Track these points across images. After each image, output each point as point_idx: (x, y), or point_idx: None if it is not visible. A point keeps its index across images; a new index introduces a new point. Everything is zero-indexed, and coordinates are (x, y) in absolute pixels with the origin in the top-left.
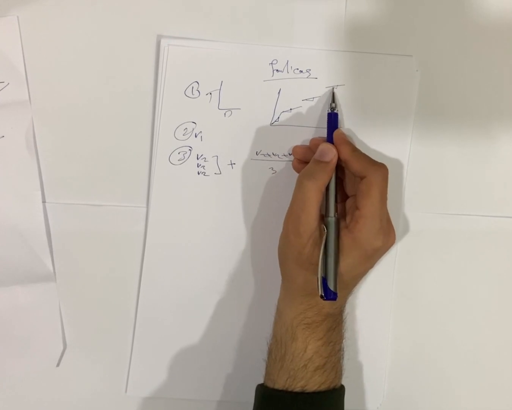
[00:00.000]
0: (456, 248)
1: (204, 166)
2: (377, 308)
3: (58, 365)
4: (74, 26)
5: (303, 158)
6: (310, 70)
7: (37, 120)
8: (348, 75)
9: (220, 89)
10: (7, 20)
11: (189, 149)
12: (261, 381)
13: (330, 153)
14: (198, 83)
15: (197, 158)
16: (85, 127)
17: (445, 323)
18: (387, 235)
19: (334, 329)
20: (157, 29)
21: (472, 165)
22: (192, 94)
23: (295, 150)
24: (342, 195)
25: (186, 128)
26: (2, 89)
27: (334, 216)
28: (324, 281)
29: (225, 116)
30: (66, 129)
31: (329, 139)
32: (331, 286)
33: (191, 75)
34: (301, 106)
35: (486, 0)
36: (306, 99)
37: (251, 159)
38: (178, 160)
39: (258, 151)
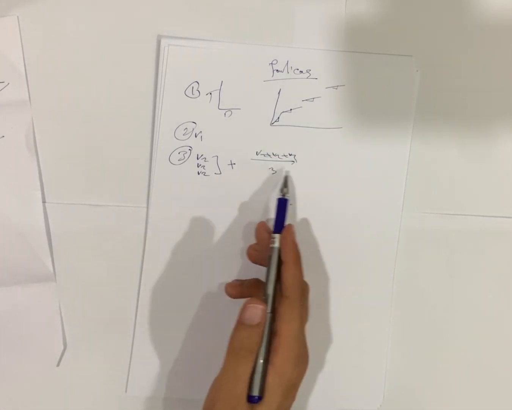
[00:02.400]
0: (456, 248)
1: (204, 166)
2: (377, 308)
3: (58, 365)
4: (74, 26)
5: (239, 294)
6: (310, 70)
7: (37, 120)
8: (348, 75)
9: (220, 89)
10: (7, 20)
11: (189, 149)
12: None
13: (257, 314)
14: (198, 83)
15: (197, 158)
16: (85, 127)
17: (445, 323)
18: (303, 362)
19: None
20: (157, 29)
21: (472, 165)
22: (192, 94)
23: (228, 291)
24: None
25: (186, 128)
26: (2, 89)
27: (270, 312)
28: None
29: (225, 116)
30: (66, 129)
31: (277, 228)
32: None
33: (191, 75)
34: (301, 107)
35: (486, 0)
36: (306, 100)
37: (251, 159)
38: (178, 160)
39: (258, 151)
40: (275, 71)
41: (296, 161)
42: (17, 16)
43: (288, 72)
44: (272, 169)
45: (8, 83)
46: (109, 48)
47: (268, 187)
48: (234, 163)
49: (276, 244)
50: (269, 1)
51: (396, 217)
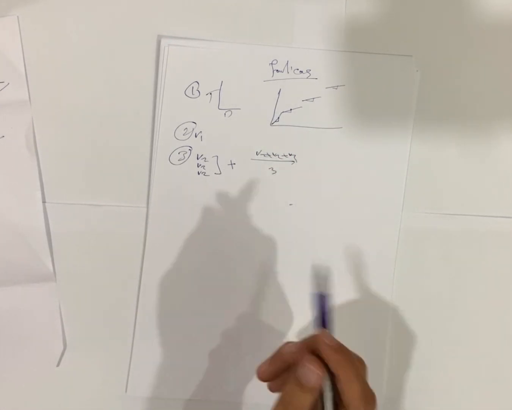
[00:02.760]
0: (456, 248)
1: (204, 166)
2: (377, 308)
3: (58, 365)
4: (74, 26)
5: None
6: (310, 70)
7: (37, 120)
8: (348, 75)
9: (220, 89)
10: (7, 20)
11: (189, 149)
12: (259, 382)
13: (317, 378)
14: (198, 83)
15: (197, 158)
16: (85, 127)
17: (445, 323)
18: None
19: None
20: (157, 29)
21: (472, 165)
22: (192, 94)
23: (261, 373)
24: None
25: (186, 128)
26: (2, 89)
27: None
28: None
29: (225, 116)
30: (66, 129)
31: (320, 325)
32: None
33: (191, 75)
34: (301, 107)
35: (486, 0)
36: (306, 100)
37: (251, 159)
38: (178, 160)
39: (258, 151)
40: (275, 71)
41: (296, 161)
42: (17, 16)
43: (288, 72)
44: (272, 169)
45: (8, 83)
46: (109, 48)
47: (268, 187)
48: (234, 163)
49: (329, 391)
50: (269, 1)
51: (396, 217)
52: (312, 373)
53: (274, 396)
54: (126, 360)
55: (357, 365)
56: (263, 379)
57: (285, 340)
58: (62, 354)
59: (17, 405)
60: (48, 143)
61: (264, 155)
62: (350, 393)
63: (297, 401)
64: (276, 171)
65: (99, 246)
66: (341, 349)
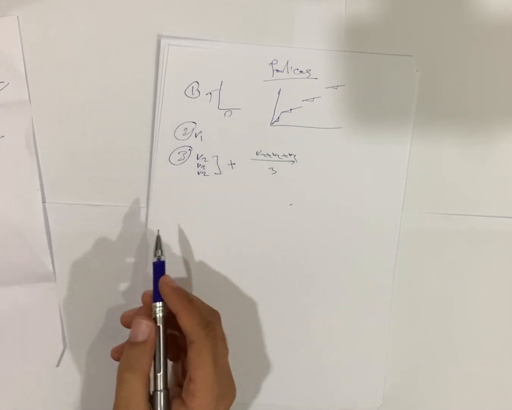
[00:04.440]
0: (456, 248)
1: (204, 166)
2: (377, 308)
3: (58, 365)
4: (74, 26)
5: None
6: (310, 70)
7: (37, 120)
8: (348, 75)
9: (220, 89)
10: (7, 20)
11: (189, 149)
12: (261, 381)
13: (144, 330)
14: (198, 83)
15: (197, 158)
16: (85, 127)
17: (444, 323)
18: (226, 397)
19: None
20: (157, 29)
21: (472, 165)
22: (192, 94)
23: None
24: (177, 349)
25: (186, 128)
26: (2, 89)
27: (163, 389)
28: None
29: (225, 116)
30: (66, 129)
31: (157, 293)
32: None
33: (191, 75)
34: (301, 107)
35: (486, 0)
36: (306, 100)
37: (251, 159)
38: (178, 160)
39: (258, 151)
40: (275, 71)
41: (296, 161)
42: (17, 16)
43: (288, 72)
44: (272, 169)
45: (8, 83)
46: (109, 48)
47: (268, 187)
48: (234, 163)
49: (160, 313)
50: (269, 1)
51: (396, 217)
52: (138, 327)
53: (275, 396)
54: None
55: (194, 301)
56: (112, 355)
57: (285, 338)
58: (62, 354)
59: (17, 405)
60: (48, 143)
61: (264, 155)
62: (188, 322)
63: (132, 359)
64: (276, 171)
65: (99, 246)
66: (180, 289)
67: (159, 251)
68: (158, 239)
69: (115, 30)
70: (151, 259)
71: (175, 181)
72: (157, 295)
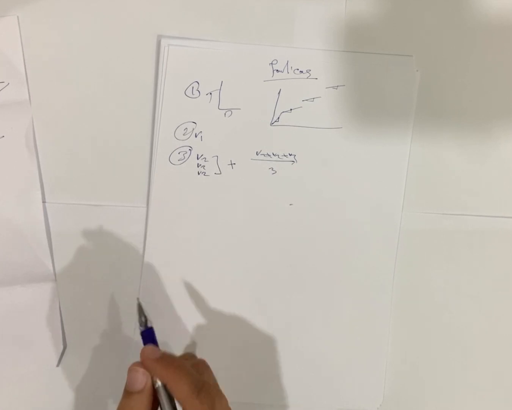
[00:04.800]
0: (456, 248)
1: (204, 166)
2: (377, 308)
3: (58, 365)
4: (74, 26)
5: None
6: (310, 70)
7: (37, 120)
8: (348, 75)
9: (220, 89)
10: (7, 20)
11: (189, 149)
12: (261, 381)
13: (141, 379)
14: (198, 83)
15: (197, 158)
16: (85, 127)
17: (445, 323)
18: None
19: None
20: (157, 29)
21: (472, 165)
22: (192, 94)
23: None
24: None
25: (186, 128)
26: (2, 89)
27: None
28: None
29: (225, 116)
30: (66, 129)
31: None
32: None
33: (191, 75)
34: (301, 107)
35: (486, 0)
36: (306, 100)
37: (251, 159)
38: (178, 160)
39: (258, 151)
40: (275, 71)
41: (296, 161)
42: (17, 16)
43: (288, 72)
44: (272, 169)
45: (8, 83)
46: (109, 48)
47: (268, 187)
48: (234, 163)
49: (159, 383)
50: (269, 1)
51: (396, 217)
52: (134, 375)
53: (275, 396)
54: (126, 360)
55: (182, 367)
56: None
57: (285, 338)
58: (62, 354)
59: (17, 405)
60: (48, 143)
61: (264, 155)
62: (179, 393)
63: (128, 409)
64: (276, 171)
65: (99, 246)
66: (164, 358)
67: (143, 318)
68: (139, 306)
69: (115, 30)
70: (149, 259)
71: (175, 181)
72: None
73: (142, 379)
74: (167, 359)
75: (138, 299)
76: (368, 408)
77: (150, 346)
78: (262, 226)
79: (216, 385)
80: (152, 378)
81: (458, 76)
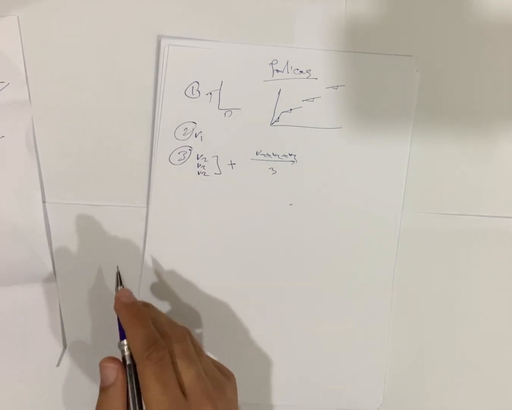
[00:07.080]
0: (456, 248)
1: (204, 166)
2: (377, 308)
3: (58, 365)
4: (74, 26)
5: None
6: (310, 70)
7: (37, 120)
8: (348, 75)
9: (220, 89)
10: (7, 20)
11: (189, 149)
12: (261, 381)
13: (111, 373)
14: (198, 83)
15: (197, 158)
16: (85, 127)
17: (444, 323)
18: (221, 394)
19: None
20: (157, 29)
21: (472, 165)
22: (192, 94)
23: None
24: None
25: (186, 128)
26: (2, 89)
27: None
28: None
29: (225, 116)
30: (66, 129)
31: (121, 330)
32: None
33: (191, 75)
34: (301, 107)
35: (486, 0)
36: (306, 100)
37: (251, 159)
38: (178, 160)
39: (258, 151)
40: (275, 71)
41: (296, 161)
42: (17, 16)
43: (288, 72)
44: (272, 169)
45: (8, 83)
46: (109, 48)
47: (268, 187)
48: (234, 163)
49: (127, 352)
50: (269, 1)
51: (396, 217)
52: (104, 371)
53: (275, 396)
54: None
55: (144, 317)
56: None
57: (285, 338)
58: (62, 354)
59: (17, 405)
60: (48, 143)
61: (264, 155)
62: (131, 342)
63: (104, 404)
64: (276, 171)
65: (99, 246)
66: (133, 305)
67: (121, 286)
68: (118, 275)
69: (115, 30)
70: (149, 259)
71: (175, 181)
72: (122, 332)
73: (112, 372)
74: (135, 307)
75: (117, 267)
76: (368, 408)
77: (127, 289)
78: (262, 226)
79: (186, 348)
80: (123, 358)
81: (458, 76)
